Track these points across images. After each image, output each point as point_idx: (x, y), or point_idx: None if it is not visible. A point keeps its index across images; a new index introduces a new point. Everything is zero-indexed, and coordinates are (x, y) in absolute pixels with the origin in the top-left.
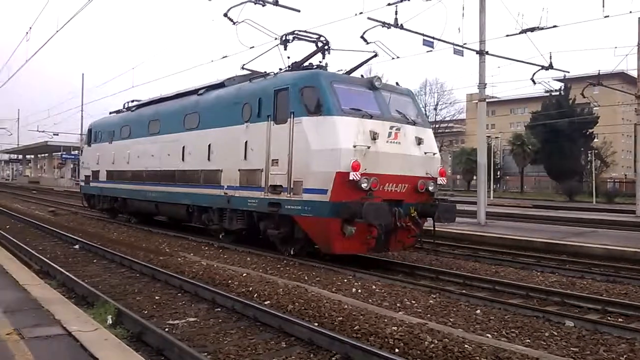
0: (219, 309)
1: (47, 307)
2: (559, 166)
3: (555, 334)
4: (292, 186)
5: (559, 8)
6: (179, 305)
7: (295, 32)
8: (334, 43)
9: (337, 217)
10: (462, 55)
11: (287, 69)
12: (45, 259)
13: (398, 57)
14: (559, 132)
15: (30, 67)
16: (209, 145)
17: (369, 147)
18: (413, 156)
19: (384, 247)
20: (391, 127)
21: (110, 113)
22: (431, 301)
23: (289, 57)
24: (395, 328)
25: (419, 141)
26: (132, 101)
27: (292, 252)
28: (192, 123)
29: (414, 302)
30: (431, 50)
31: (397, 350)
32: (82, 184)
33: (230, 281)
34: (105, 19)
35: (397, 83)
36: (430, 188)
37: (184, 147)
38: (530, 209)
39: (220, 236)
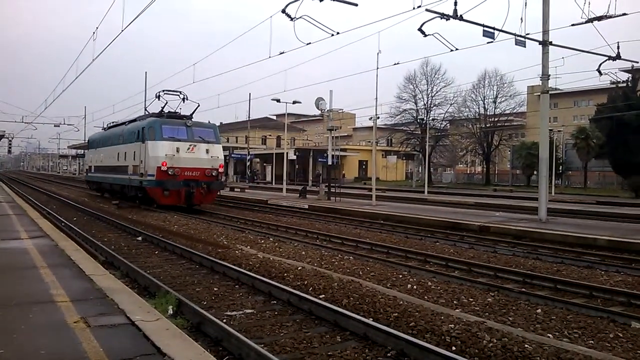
0: (275, 302)
1: (112, 296)
2: (625, 161)
3: (621, 335)
4: (144, 173)
5: None
6: (237, 297)
7: (164, 90)
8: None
9: (159, 187)
10: (524, 46)
11: (155, 113)
12: (109, 250)
13: (457, 49)
14: (625, 125)
15: (97, 66)
16: (125, 152)
17: (174, 155)
18: (203, 158)
19: (191, 203)
20: (190, 145)
21: (102, 129)
22: (489, 299)
23: (162, 107)
24: (452, 326)
25: (208, 151)
26: (111, 123)
27: (155, 206)
28: (121, 140)
29: (471, 299)
30: (492, 42)
31: (454, 348)
32: (85, 174)
33: (285, 274)
34: (167, 18)
35: (208, 121)
36: (214, 174)
37: (118, 153)
38: (593, 205)
39: (137, 201)
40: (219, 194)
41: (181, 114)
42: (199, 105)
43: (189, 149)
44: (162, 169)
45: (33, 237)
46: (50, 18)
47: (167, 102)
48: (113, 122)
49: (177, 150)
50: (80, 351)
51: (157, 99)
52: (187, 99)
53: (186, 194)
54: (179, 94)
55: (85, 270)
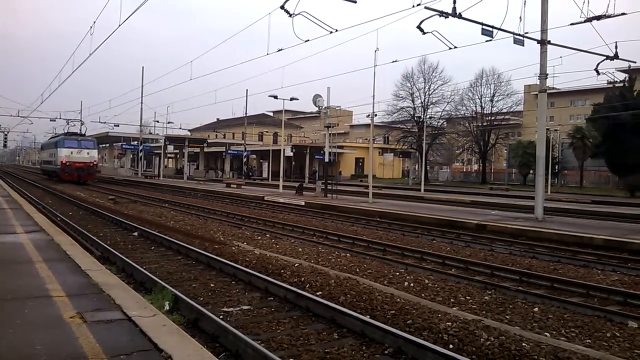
0: (272, 298)
1: (108, 292)
2: (621, 160)
3: (618, 334)
4: (56, 164)
5: None
6: (233, 293)
7: (71, 120)
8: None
9: (62, 172)
10: (523, 45)
11: (64, 133)
12: (105, 245)
13: (455, 47)
14: (621, 125)
15: (93, 60)
16: (51, 153)
17: (69, 155)
18: (85, 157)
19: (80, 180)
20: (79, 150)
21: (50, 138)
22: (486, 297)
23: (68, 129)
24: (449, 324)
25: (88, 153)
26: (55, 134)
27: (63, 181)
28: (49, 147)
29: (468, 297)
30: (490, 40)
31: (451, 346)
32: (40, 165)
33: (282, 271)
34: (165, 14)
35: (92, 137)
36: (91, 165)
37: (49, 153)
38: (589, 204)
39: (54, 179)
40: (212, 189)
41: (80, 132)
42: (87, 129)
43: (78, 152)
44: (63, 162)
45: (29, 232)
46: (47, 12)
47: (69, 126)
48: (53, 134)
49: (72, 152)
50: (77, 347)
51: (67, 124)
52: (83, 123)
53: (77, 175)
54: (80, 120)
55: (81, 265)
